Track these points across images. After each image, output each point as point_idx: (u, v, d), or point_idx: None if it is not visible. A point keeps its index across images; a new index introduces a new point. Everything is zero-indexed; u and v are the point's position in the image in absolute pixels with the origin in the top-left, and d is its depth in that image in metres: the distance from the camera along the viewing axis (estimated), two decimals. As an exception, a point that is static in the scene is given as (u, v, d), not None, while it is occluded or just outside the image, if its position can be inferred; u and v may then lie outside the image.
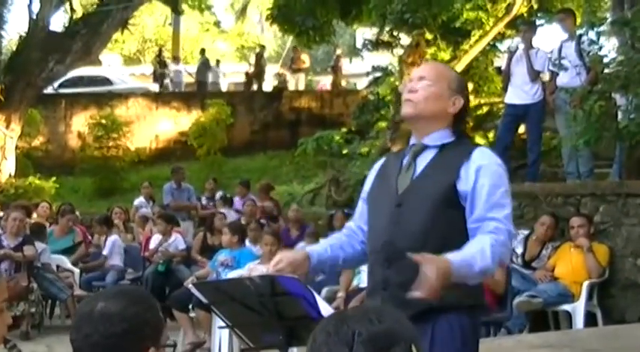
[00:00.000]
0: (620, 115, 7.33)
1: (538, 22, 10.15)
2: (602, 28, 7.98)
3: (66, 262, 8.90)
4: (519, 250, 7.00)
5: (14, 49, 16.80)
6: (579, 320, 6.37)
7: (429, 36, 10.73)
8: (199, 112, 18.63)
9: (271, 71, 24.39)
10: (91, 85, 20.72)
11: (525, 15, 10.53)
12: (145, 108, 19.59)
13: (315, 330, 1.51)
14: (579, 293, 6.42)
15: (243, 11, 32.37)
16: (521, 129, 8.93)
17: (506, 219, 2.54)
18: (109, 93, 20.34)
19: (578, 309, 6.39)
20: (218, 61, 24.46)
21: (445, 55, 10.83)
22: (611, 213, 6.73)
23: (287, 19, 13.41)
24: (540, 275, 6.70)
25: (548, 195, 7.36)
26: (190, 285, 3.38)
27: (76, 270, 8.88)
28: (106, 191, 16.86)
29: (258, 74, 22.06)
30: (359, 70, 19.62)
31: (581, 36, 7.90)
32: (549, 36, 10.78)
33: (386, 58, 13.82)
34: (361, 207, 2.87)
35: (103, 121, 17.54)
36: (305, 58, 21.62)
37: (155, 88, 22.39)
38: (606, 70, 7.72)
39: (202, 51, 24.38)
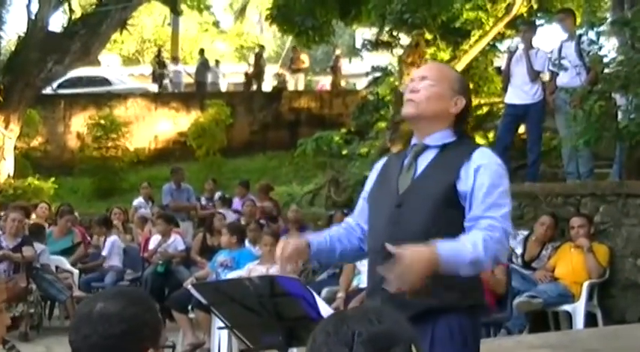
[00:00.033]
0: (620, 115, 7.32)
1: (538, 22, 10.15)
2: (602, 28, 7.97)
3: (65, 263, 8.88)
4: (519, 251, 6.99)
5: (13, 49, 16.82)
6: (579, 321, 6.36)
7: (428, 36, 10.73)
8: (198, 113, 18.62)
9: (270, 71, 24.38)
10: (89, 85, 20.71)
11: (525, 15, 10.52)
12: (143, 108, 19.59)
13: (315, 331, 1.51)
14: (579, 293, 6.41)
15: (242, 11, 32.38)
16: (521, 129, 8.93)
17: (503, 217, 2.51)
18: (107, 93, 20.33)
19: (578, 310, 6.38)
20: (217, 62, 24.44)
21: (445, 55, 10.82)
22: (611, 214, 6.72)
23: (286, 19, 13.40)
24: (540, 275, 6.69)
25: (548, 195, 7.34)
26: (190, 286, 3.38)
27: (75, 271, 8.86)
28: (105, 191, 16.85)
29: (257, 74, 22.05)
30: (358, 70, 19.61)
31: (581, 36, 7.89)
32: (549, 36, 10.79)
33: (385, 58, 13.82)
34: (361, 205, 2.86)
35: (102, 122, 17.54)
36: (304, 58, 21.61)
37: (154, 88, 22.38)
38: (606, 70, 7.71)
39: (201, 51, 24.36)
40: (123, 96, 19.93)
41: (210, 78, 22.64)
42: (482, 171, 2.55)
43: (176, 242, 8.81)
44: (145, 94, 20.83)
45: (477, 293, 2.65)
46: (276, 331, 2.76)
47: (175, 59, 24.11)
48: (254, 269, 6.61)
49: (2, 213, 9.34)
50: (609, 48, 8.42)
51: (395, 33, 11.69)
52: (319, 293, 6.42)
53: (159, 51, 24.86)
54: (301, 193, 12.85)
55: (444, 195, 2.57)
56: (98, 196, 16.75)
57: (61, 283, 8.20)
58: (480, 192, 2.53)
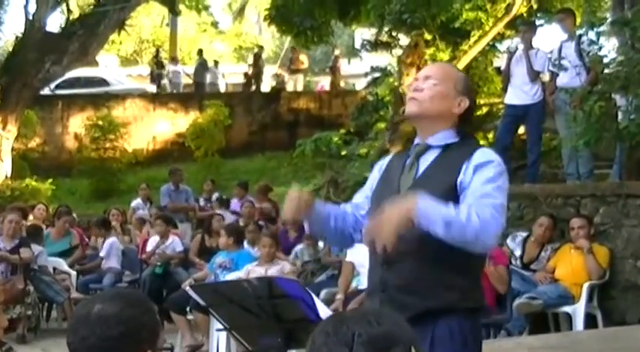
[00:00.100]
0: (620, 116, 7.31)
1: (538, 23, 10.14)
2: (602, 28, 7.95)
3: (63, 264, 8.86)
4: (518, 252, 6.98)
5: (10, 49, 16.82)
6: (579, 322, 6.34)
7: (427, 36, 10.71)
8: (197, 113, 18.62)
9: (269, 72, 24.39)
10: (87, 86, 20.71)
11: (525, 15, 10.51)
12: (142, 109, 19.58)
13: (314, 332, 1.51)
14: (579, 294, 6.39)
15: (240, 12, 32.40)
16: (521, 129, 8.91)
17: (495, 206, 2.44)
18: (105, 94, 20.32)
19: (578, 311, 6.37)
20: (216, 62, 24.44)
21: (444, 56, 10.80)
22: (612, 214, 6.70)
23: (285, 20, 13.38)
24: (540, 276, 6.67)
25: (548, 196, 7.32)
26: (188, 288, 3.36)
27: (73, 273, 8.84)
28: (103, 193, 16.84)
29: (256, 75, 22.05)
30: (357, 70, 19.62)
31: (581, 36, 7.87)
32: (549, 36, 10.78)
33: (385, 59, 13.80)
34: (362, 199, 2.82)
35: (100, 122, 17.53)
36: (303, 59, 21.61)
37: (152, 89, 22.39)
38: (606, 71, 7.69)
39: (200, 52, 24.36)
40: (121, 96, 19.93)
41: (209, 78, 22.64)
42: (481, 169, 2.53)
43: (174, 243, 8.79)
44: (143, 95, 20.83)
45: (477, 293, 2.63)
46: (275, 333, 2.75)
47: (174, 59, 24.10)
48: (253, 271, 6.60)
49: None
50: (609, 48, 8.42)
51: (394, 33, 11.68)
52: (318, 295, 6.39)
53: (157, 51, 24.87)
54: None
55: (445, 196, 2.54)
56: (96, 197, 16.73)
57: (58, 285, 8.17)
58: (475, 185, 2.50)
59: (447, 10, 10.27)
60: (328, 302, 6.41)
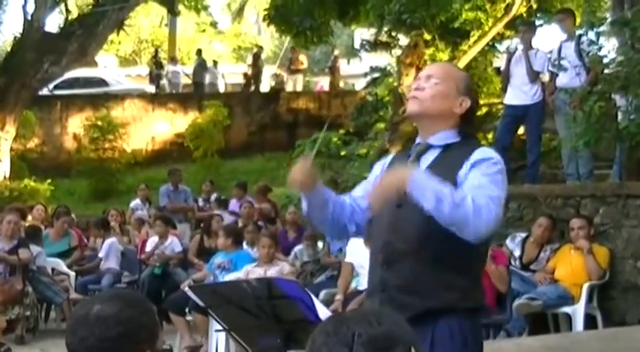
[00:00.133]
0: (620, 116, 7.30)
1: (537, 23, 10.16)
2: (601, 28, 7.95)
3: (61, 265, 8.85)
4: (517, 253, 6.97)
5: (9, 50, 16.78)
6: (579, 323, 6.33)
7: (427, 36, 10.71)
8: (196, 114, 18.61)
9: (268, 72, 24.38)
10: (86, 86, 20.70)
11: (524, 15, 10.52)
12: (141, 109, 19.57)
13: (314, 332, 1.51)
14: (579, 295, 6.38)
15: (240, 12, 32.41)
16: (521, 130, 8.90)
17: (490, 197, 2.40)
18: (104, 94, 20.31)
19: (578, 312, 6.36)
20: (215, 62, 24.43)
21: (444, 56, 10.80)
22: (611, 215, 6.69)
23: (284, 20, 13.38)
24: (540, 277, 6.66)
25: (548, 196, 7.31)
26: (187, 288, 3.35)
27: (72, 273, 8.83)
28: (102, 193, 16.83)
29: (255, 75, 22.05)
30: (357, 70, 19.64)
31: (580, 36, 7.87)
32: (549, 36, 10.79)
33: (384, 59, 13.82)
34: (361, 192, 2.79)
35: (99, 123, 17.52)
36: (303, 59, 21.60)
37: (151, 89, 22.38)
38: (606, 71, 7.68)
39: (199, 52, 24.34)
40: (120, 97, 19.92)
41: (208, 78, 22.63)
42: (479, 165, 2.51)
43: (173, 244, 8.78)
44: (142, 95, 20.82)
45: (477, 293, 2.63)
46: (274, 333, 2.74)
47: (173, 60, 24.10)
48: (252, 272, 6.59)
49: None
50: (609, 48, 8.42)
51: (393, 33, 11.69)
52: (317, 296, 6.39)
53: (156, 52, 24.85)
54: (299, 195, 12.79)
55: (444, 196, 2.53)
56: (95, 198, 16.72)
57: (57, 285, 8.16)
58: (471, 179, 2.48)
59: (446, 10, 10.27)
60: (327, 302, 6.40)
